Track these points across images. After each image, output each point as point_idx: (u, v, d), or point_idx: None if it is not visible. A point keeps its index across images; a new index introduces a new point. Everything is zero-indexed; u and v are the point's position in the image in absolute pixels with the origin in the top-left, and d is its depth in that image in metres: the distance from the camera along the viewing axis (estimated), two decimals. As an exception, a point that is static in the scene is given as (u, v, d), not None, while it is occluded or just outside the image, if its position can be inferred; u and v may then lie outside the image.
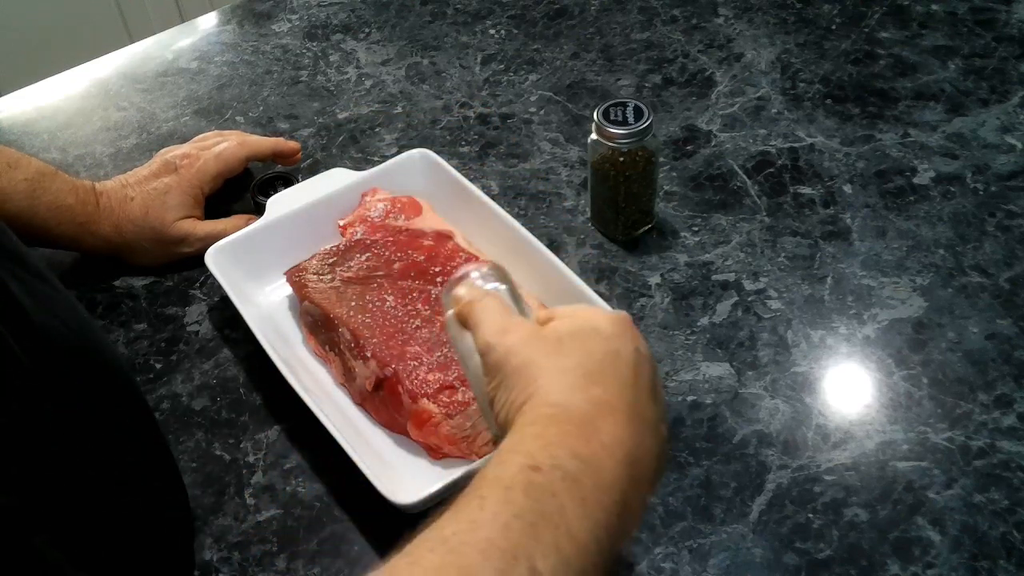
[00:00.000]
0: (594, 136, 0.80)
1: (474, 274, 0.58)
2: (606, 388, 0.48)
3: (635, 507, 0.47)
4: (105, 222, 0.82)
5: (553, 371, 0.49)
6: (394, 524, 0.66)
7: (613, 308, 0.72)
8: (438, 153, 0.86)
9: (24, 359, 0.47)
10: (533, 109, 1.00)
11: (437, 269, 0.76)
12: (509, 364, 0.50)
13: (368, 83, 1.05)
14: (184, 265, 0.86)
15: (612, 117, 0.78)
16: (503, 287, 0.58)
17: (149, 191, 0.84)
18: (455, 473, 0.65)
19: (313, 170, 0.92)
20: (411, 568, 0.41)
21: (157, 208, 0.83)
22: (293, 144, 0.91)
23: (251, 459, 0.72)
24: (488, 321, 0.53)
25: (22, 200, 0.78)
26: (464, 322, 0.55)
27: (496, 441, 0.50)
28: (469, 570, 0.41)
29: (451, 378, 0.69)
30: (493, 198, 0.84)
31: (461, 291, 0.57)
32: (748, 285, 0.81)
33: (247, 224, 0.83)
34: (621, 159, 0.79)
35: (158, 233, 0.83)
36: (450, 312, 0.57)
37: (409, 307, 0.73)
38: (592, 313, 0.54)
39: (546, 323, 0.53)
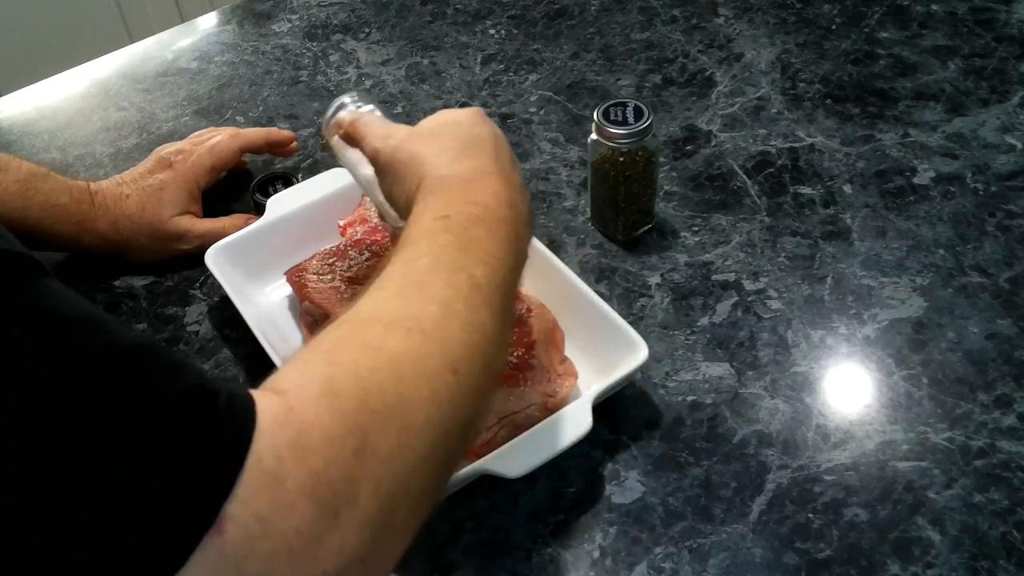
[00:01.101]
0: (594, 136, 0.80)
1: (347, 100, 0.70)
2: (479, 159, 0.60)
3: (523, 242, 0.58)
4: (101, 220, 0.82)
5: (434, 154, 0.60)
6: (394, 524, 0.66)
7: (613, 308, 0.72)
8: (438, 153, 0.86)
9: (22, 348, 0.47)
10: (533, 109, 1.00)
11: (437, 269, 0.76)
12: (398, 160, 0.61)
13: (368, 83, 1.05)
14: (184, 265, 0.86)
15: (612, 117, 0.78)
16: (377, 111, 0.69)
17: (145, 188, 0.84)
18: (455, 474, 0.65)
19: (313, 170, 0.92)
20: (376, 295, 0.50)
21: (153, 204, 0.83)
22: (286, 133, 0.92)
23: (251, 459, 0.72)
24: (371, 133, 0.65)
25: (14, 201, 0.78)
26: (350, 140, 0.68)
27: (400, 229, 0.59)
28: (424, 284, 0.50)
29: (451, 378, 0.69)
30: (493, 198, 0.84)
31: (342, 115, 0.69)
32: (748, 285, 0.81)
33: (246, 223, 0.84)
34: (621, 159, 0.79)
35: (155, 230, 0.83)
36: (335, 137, 0.69)
37: (409, 307, 0.73)
38: (450, 111, 0.65)
39: (416, 126, 0.64)
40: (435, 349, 0.47)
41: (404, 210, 0.60)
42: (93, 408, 0.36)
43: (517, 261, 0.57)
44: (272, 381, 0.44)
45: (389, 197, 0.63)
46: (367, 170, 0.67)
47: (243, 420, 0.39)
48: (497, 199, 0.57)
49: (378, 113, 0.69)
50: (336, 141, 0.70)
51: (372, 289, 0.51)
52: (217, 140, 0.88)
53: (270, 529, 0.38)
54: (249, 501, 0.38)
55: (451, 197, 0.57)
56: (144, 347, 0.39)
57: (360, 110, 0.69)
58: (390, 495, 0.43)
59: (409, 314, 0.49)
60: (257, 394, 0.42)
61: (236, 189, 0.93)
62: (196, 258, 0.81)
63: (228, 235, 0.82)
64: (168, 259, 0.86)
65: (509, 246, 0.56)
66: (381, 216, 0.75)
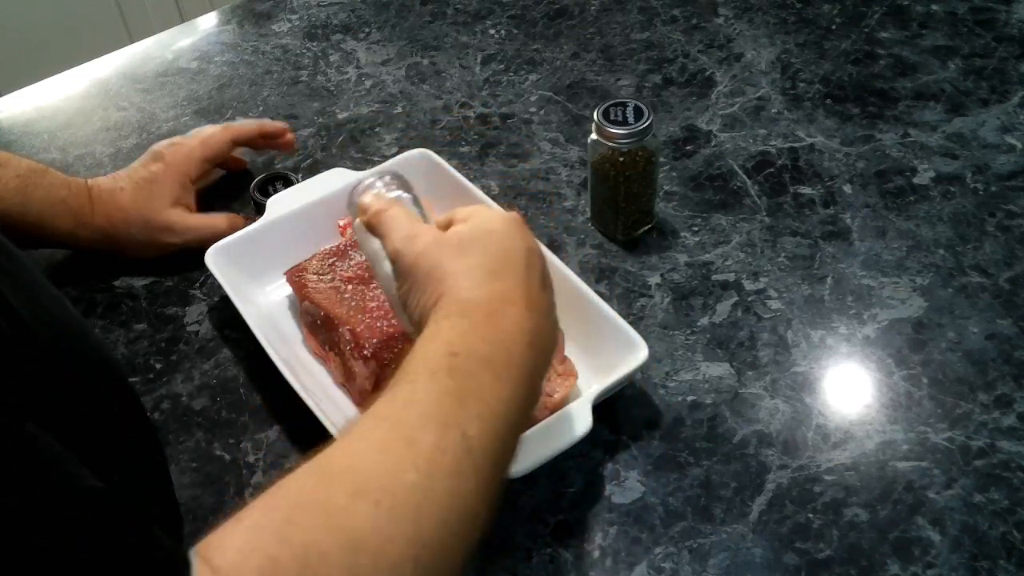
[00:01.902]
0: (594, 136, 0.80)
1: (379, 183, 0.63)
2: (505, 283, 0.55)
3: (538, 380, 0.55)
4: (98, 214, 0.83)
5: (459, 271, 0.55)
6: (394, 524, 0.66)
7: (613, 308, 0.72)
8: (438, 153, 0.86)
9: (14, 353, 0.47)
10: (533, 109, 1.00)
11: (437, 269, 0.76)
12: (419, 268, 0.56)
13: (368, 83, 1.05)
14: (184, 265, 0.86)
15: (612, 117, 0.78)
16: (407, 195, 0.63)
17: (138, 180, 0.84)
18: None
19: (313, 170, 0.92)
20: (357, 443, 0.47)
21: (145, 196, 0.84)
22: (279, 124, 0.92)
23: (251, 459, 0.72)
24: (396, 229, 0.59)
25: (14, 197, 0.79)
26: (372, 230, 0.61)
27: (413, 336, 0.56)
28: (412, 439, 0.46)
29: (451, 378, 0.69)
30: (493, 198, 0.84)
31: (367, 199, 0.62)
32: (748, 285, 0.81)
33: (242, 222, 0.84)
34: (621, 159, 0.79)
35: (146, 221, 0.84)
36: (358, 220, 0.63)
37: (409, 307, 0.73)
38: (487, 215, 0.59)
39: (447, 227, 0.59)
40: (402, 532, 0.43)
41: (418, 322, 0.56)
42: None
43: (525, 405, 0.53)
44: (214, 547, 0.41)
45: (404, 303, 0.58)
46: (387, 265, 0.60)
47: None
48: (515, 338, 0.53)
49: (407, 198, 0.63)
50: (359, 224, 0.63)
51: (356, 431, 0.47)
52: (209, 132, 0.88)
53: None
54: None
55: (466, 329, 0.52)
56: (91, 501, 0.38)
57: (387, 195, 0.63)
58: None
59: (383, 483, 0.44)
60: (194, 565, 0.40)
61: (236, 189, 0.93)
62: (196, 258, 0.81)
63: (220, 232, 0.83)
64: (164, 255, 0.86)
65: (516, 393, 0.52)
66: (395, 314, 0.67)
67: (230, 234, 0.82)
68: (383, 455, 0.46)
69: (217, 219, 0.86)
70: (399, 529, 0.43)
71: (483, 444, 0.48)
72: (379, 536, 0.43)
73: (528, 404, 0.53)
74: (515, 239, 0.58)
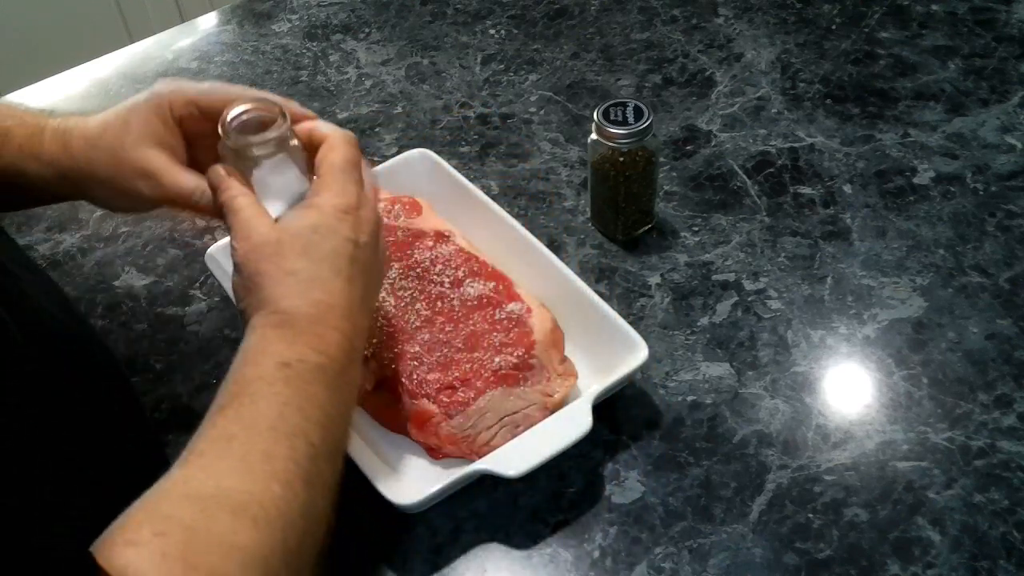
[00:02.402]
0: (594, 136, 0.80)
1: (244, 115, 0.61)
2: (325, 287, 0.56)
3: (355, 385, 0.58)
4: (51, 143, 0.66)
5: (279, 279, 0.56)
6: (394, 524, 0.66)
7: (613, 308, 0.72)
8: (438, 153, 0.86)
9: (14, 353, 0.47)
10: (533, 109, 1.00)
11: (437, 269, 0.76)
12: (245, 270, 0.57)
13: (368, 83, 1.05)
14: (184, 265, 0.86)
15: (612, 117, 0.78)
16: (277, 150, 0.61)
17: (111, 110, 0.66)
18: (455, 473, 0.65)
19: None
20: (218, 463, 0.49)
21: (116, 126, 0.65)
22: (308, 112, 0.67)
23: (251, 459, 0.72)
24: (236, 227, 0.58)
25: None
26: (219, 215, 0.61)
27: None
28: (267, 453, 0.49)
29: (451, 378, 0.69)
30: (493, 198, 0.84)
31: (220, 174, 0.61)
32: (748, 285, 0.81)
33: (208, 198, 0.64)
34: (621, 159, 0.79)
35: (115, 157, 0.64)
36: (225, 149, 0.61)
37: (409, 307, 0.73)
38: (317, 209, 0.58)
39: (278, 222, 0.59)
40: (277, 541, 0.47)
41: (244, 322, 0.57)
42: None
43: (352, 403, 0.58)
44: (116, 556, 0.43)
45: (236, 295, 0.59)
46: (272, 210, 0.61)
47: None
48: (339, 344, 0.55)
49: (269, 167, 0.61)
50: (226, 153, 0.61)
51: (212, 451, 0.50)
52: (227, 85, 0.69)
53: None
54: None
55: (293, 338, 0.54)
56: None
57: (254, 151, 0.60)
58: None
59: (254, 498, 0.48)
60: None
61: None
62: (196, 258, 0.81)
63: (200, 209, 0.65)
64: (134, 214, 0.76)
65: (345, 403, 0.56)
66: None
67: (209, 214, 0.65)
68: (246, 472, 0.49)
69: (205, 190, 0.63)
70: (275, 540, 0.47)
71: (327, 449, 0.52)
72: (262, 550, 0.46)
73: (352, 402, 0.58)
74: (337, 235, 0.58)
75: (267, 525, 0.47)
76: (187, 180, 0.63)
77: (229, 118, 0.61)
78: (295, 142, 0.62)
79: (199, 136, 0.66)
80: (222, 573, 0.44)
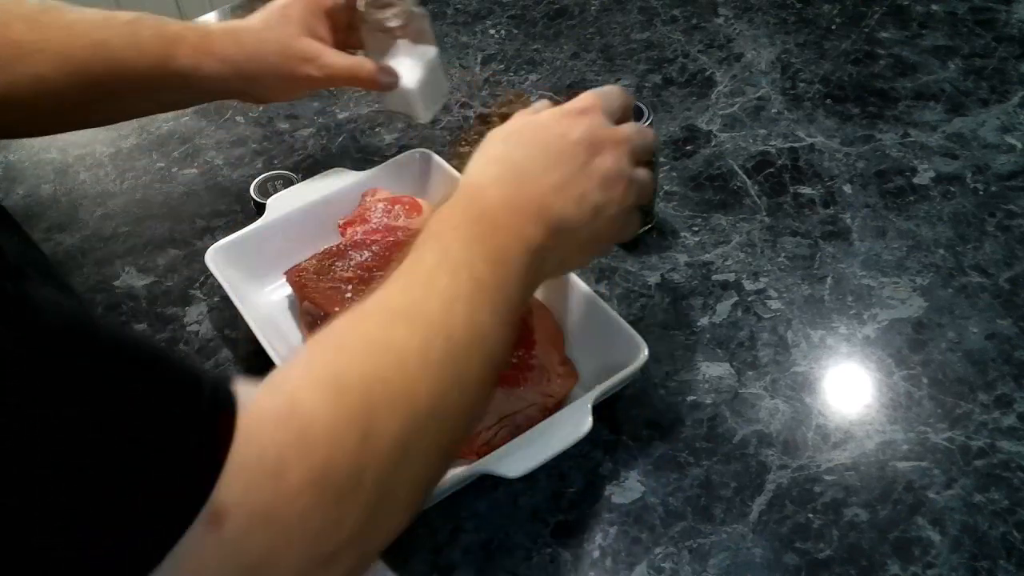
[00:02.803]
0: (594, 136, 0.80)
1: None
2: (524, 189, 0.56)
3: (530, 292, 0.57)
4: (222, 40, 0.74)
5: (489, 161, 0.59)
6: (394, 524, 0.66)
7: (613, 308, 0.72)
8: (438, 153, 0.86)
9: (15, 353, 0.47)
10: (533, 109, 1.00)
11: (437, 269, 0.76)
12: (483, 142, 0.61)
13: (368, 83, 1.05)
14: (184, 265, 0.86)
15: (612, 117, 0.78)
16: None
17: (268, 10, 0.77)
18: (455, 473, 0.65)
19: (313, 170, 0.91)
20: (382, 289, 0.51)
21: (278, 19, 0.76)
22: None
23: (251, 459, 0.72)
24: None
25: (125, 40, 0.72)
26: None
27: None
28: (429, 281, 0.51)
29: (451, 378, 0.69)
30: (493, 198, 0.84)
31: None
32: (748, 285, 0.81)
33: (381, 80, 0.79)
34: (621, 159, 0.79)
35: (283, 46, 0.75)
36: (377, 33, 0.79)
37: (409, 307, 0.73)
38: (553, 109, 0.61)
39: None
40: (439, 344, 0.48)
41: (461, 168, 0.61)
42: (81, 402, 0.36)
43: (527, 283, 0.56)
44: (276, 377, 0.44)
45: (473, 149, 0.61)
46: (409, 77, 0.78)
47: (226, 411, 0.40)
48: (515, 258, 0.55)
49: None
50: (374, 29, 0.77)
51: (380, 285, 0.52)
52: None
53: (271, 520, 0.39)
54: (248, 495, 0.38)
55: (472, 240, 0.54)
56: (129, 341, 0.39)
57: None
58: (390, 481, 0.44)
59: (413, 310, 0.50)
60: (260, 392, 0.42)
61: (236, 189, 0.93)
62: (196, 258, 0.81)
63: (360, 76, 0.78)
64: (295, 98, 0.84)
65: (519, 255, 0.55)
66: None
67: (368, 85, 0.79)
68: (407, 295, 0.51)
69: (363, 62, 0.78)
70: (436, 342, 0.48)
71: (495, 282, 0.52)
72: (419, 347, 0.48)
73: (529, 283, 0.56)
74: (563, 134, 0.58)
75: (425, 328, 0.48)
76: (346, 59, 0.77)
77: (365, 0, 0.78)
78: (420, 9, 0.79)
79: (339, 27, 0.80)
80: (372, 363, 0.46)
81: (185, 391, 0.39)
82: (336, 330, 0.49)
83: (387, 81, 0.79)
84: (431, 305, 0.50)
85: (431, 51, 0.82)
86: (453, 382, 0.48)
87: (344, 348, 0.47)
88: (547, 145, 0.58)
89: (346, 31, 0.81)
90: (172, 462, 0.37)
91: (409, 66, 0.81)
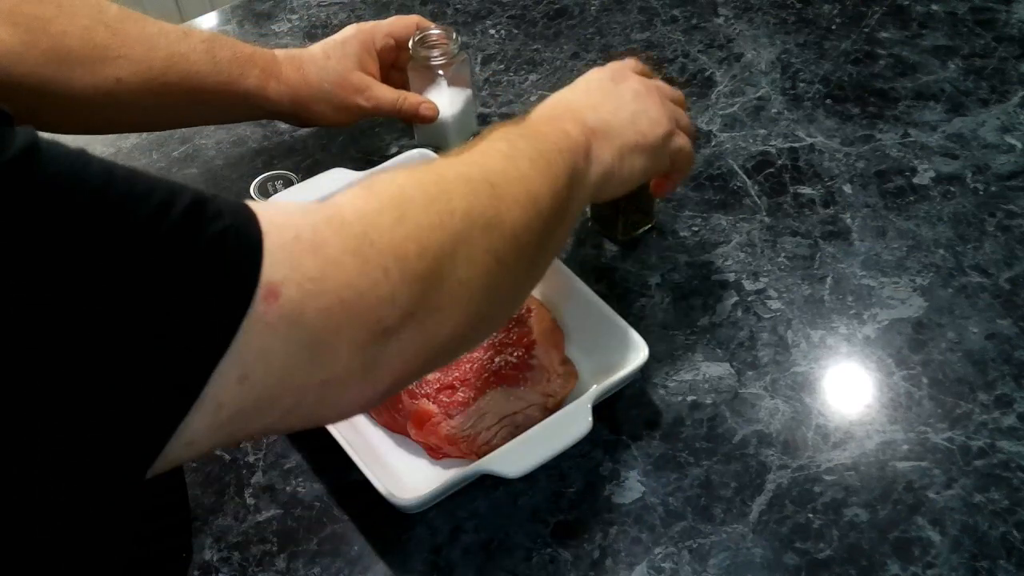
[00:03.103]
0: (594, 136, 0.80)
1: (440, 42, 0.88)
2: (568, 116, 0.63)
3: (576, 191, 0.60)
4: (287, 66, 0.84)
5: (556, 99, 0.67)
6: (394, 524, 0.67)
7: (613, 309, 0.72)
8: (438, 153, 0.86)
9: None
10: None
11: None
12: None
13: (368, 83, 1.05)
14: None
15: (612, 117, 0.78)
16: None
17: (327, 42, 0.87)
18: (455, 473, 0.65)
19: (313, 170, 0.91)
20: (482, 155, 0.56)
21: (336, 53, 0.86)
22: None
23: (251, 459, 0.72)
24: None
25: (203, 57, 0.79)
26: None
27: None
28: (485, 149, 0.56)
29: (451, 378, 0.69)
30: (493, 198, 0.84)
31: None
32: (748, 285, 0.81)
33: (431, 112, 0.88)
34: (621, 159, 0.79)
35: (340, 76, 0.85)
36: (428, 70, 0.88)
37: (409, 307, 0.73)
38: (611, 64, 0.71)
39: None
40: (476, 171, 0.53)
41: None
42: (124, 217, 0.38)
43: (573, 175, 0.59)
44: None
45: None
46: (447, 113, 0.88)
47: (245, 207, 0.42)
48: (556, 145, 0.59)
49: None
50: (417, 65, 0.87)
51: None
52: (395, 18, 0.92)
53: (322, 289, 0.42)
54: (295, 269, 0.41)
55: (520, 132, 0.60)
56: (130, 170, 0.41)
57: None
58: (438, 259, 0.47)
59: (453, 158, 0.54)
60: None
61: (237, 189, 0.93)
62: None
63: (401, 110, 0.87)
64: (346, 124, 0.90)
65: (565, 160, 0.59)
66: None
67: (410, 117, 0.88)
68: (462, 157, 0.55)
69: (404, 97, 0.88)
70: (477, 174, 0.52)
71: (548, 161, 0.57)
72: (463, 175, 0.52)
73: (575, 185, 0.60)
74: (591, 77, 0.69)
75: (468, 166, 0.53)
76: (392, 92, 0.87)
77: (415, 39, 0.87)
78: (463, 56, 0.88)
79: (388, 65, 0.91)
80: (415, 180, 0.49)
81: (198, 194, 0.40)
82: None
83: (428, 115, 0.88)
84: (471, 156, 0.54)
85: (467, 92, 0.91)
86: (490, 200, 0.51)
87: (379, 179, 0.50)
88: (577, 83, 0.68)
89: (389, 69, 0.91)
90: (216, 249, 0.39)
91: (447, 103, 0.89)
